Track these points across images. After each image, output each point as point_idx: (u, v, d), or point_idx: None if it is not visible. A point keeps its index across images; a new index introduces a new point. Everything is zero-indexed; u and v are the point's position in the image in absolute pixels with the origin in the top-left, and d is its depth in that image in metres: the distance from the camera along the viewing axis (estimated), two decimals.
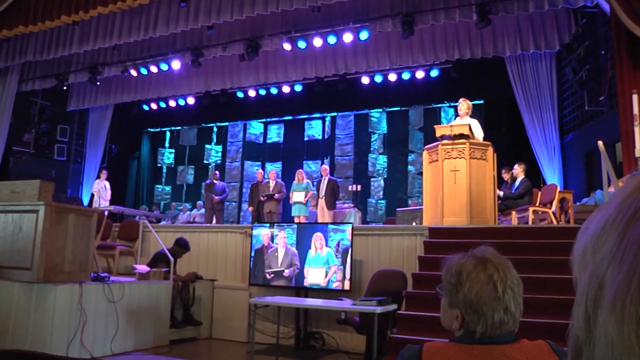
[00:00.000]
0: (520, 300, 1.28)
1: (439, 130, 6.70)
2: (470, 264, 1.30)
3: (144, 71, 11.58)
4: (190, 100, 13.74)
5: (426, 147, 7.06)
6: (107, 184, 11.86)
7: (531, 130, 9.76)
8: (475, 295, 1.25)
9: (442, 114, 12.44)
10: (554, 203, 7.31)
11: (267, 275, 6.81)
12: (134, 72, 11.59)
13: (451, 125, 6.62)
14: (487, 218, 6.34)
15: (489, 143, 6.58)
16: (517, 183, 7.87)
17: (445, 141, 6.55)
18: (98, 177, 12.40)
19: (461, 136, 6.46)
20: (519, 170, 7.91)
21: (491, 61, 10.07)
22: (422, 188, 7.38)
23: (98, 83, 12.01)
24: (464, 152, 6.39)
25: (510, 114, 10.87)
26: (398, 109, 13.17)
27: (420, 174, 11.37)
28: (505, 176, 8.41)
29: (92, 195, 11.90)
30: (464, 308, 1.27)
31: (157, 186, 15.72)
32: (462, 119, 6.92)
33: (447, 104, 12.35)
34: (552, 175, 9.50)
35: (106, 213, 8.45)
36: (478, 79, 11.01)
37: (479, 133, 6.75)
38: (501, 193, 7.68)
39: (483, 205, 6.36)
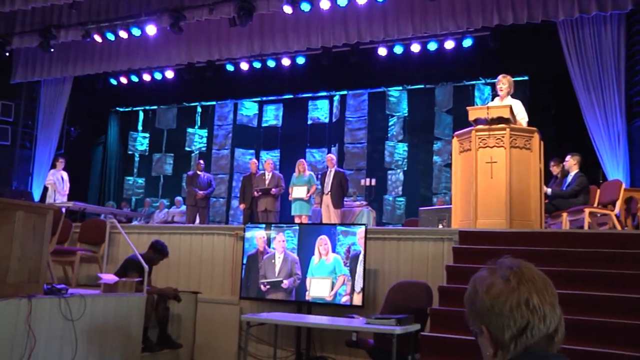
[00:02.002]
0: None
1: (473, 113, 6.71)
2: (499, 284, 1.35)
3: (110, 37, 11.61)
4: (169, 74, 13.78)
5: (456, 133, 7.07)
6: (65, 174, 11.91)
7: (589, 113, 9.61)
8: (508, 326, 1.30)
9: (476, 94, 12.44)
10: (618, 203, 7.31)
11: (262, 287, 6.85)
12: (98, 38, 11.61)
13: (488, 107, 6.64)
14: (531, 220, 6.36)
15: (534, 129, 6.59)
16: (569, 178, 7.87)
17: (480, 126, 6.55)
18: (53, 166, 12.40)
19: (500, 120, 6.46)
20: (572, 163, 7.90)
21: (539, 27, 9.99)
22: (451, 183, 7.39)
23: (52, 50, 11.97)
24: (504, 139, 6.40)
25: (561, 93, 10.82)
26: (422, 86, 13.17)
27: (449, 165, 11.39)
28: (555, 170, 8.41)
29: (46, 189, 11.93)
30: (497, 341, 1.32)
31: (128, 178, 15.81)
32: (501, 99, 6.92)
33: (483, 81, 12.35)
34: (615, 169, 9.43)
35: (64, 210, 8.49)
36: (522, 51, 11.00)
37: (522, 117, 6.75)
38: (549, 190, 7.68)
39: (526, 204, 6.38)
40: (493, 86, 9.81)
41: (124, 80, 14.29)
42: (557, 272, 4.74)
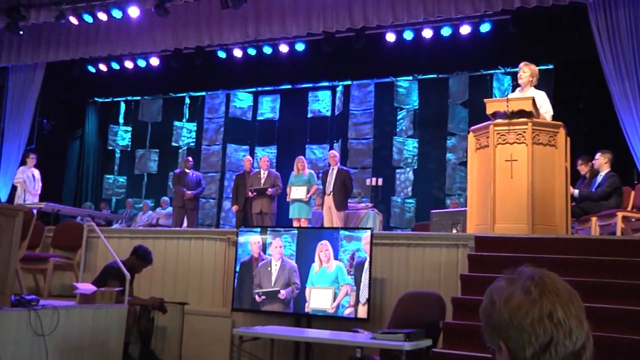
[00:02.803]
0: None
1: (491, 106, 6.72)
2: (519, 296, 1.34)
3: (88, 19, 11.61)
4: (154, 61, 13.78)
5: (472, 128, 7.07)
6: (37, 172, 11.90)
7: (622, 105, 9.52)
8: (529, 342, 1.30)
9: (495, 84, 12.45)
10: None
11: (257, 298, 6.86)
12: (74, 20, 11.61)
13: (508, 99, 6.63)
14: (555, 225, 6.37)
15: (560, 123, 6.59)
16: (599, 178, 7.86)
17: (499, 120, 6.56)
18: (23, 162, 12.38)
19: (521, 114, 6.47)
20: (602, 161, 7.89)
21: (566, 10, 9.99)
22: (466, 183, 7.39)
23: (21, 32, 11.93)
24: (525, 135, 6.41)
25: (591, 83, 10.79)
26: (434, 76, 13.17)
27: (464, 164, 11.35)
28: (583, 169, 8.40)
29: (15, 188, 11.91)
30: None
31: (108, 176, 15.81)
32: (523, 90, 6.92)
33: (502, 70, 12.35)
34: None
35: (35, 212, 8.50)
36: (546, 36, 11.00)
37: (546, 110, 6.75)
38: (576, 192, 7.68)
39: (550, 207, 6.39)
40: (513, 76, 9.83)
41: (103, 67, 14.29)
42: (584, 284, 4.75)
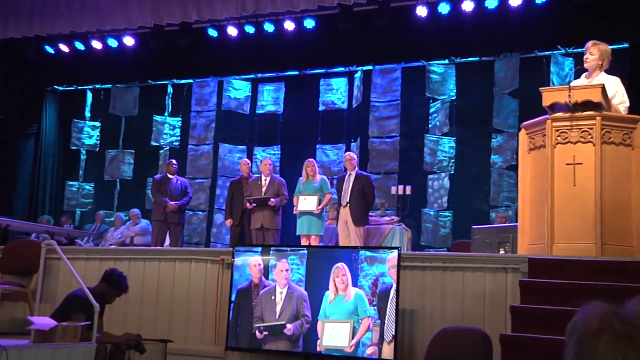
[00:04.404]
0: None
1: (549, 96, 6.69)
2: (607, 338, 1.32)
3: None
4: (128, 41, 13.84)
5: (524, 124, 7.06)
6: None
7: None
8: None
9: (553, 69, 12.38)
10: None
11: (258, 334, 6.86)
12: None
13: (570, 87, 6.61)
14: (632, 246, 6.33)
15: (638, 117, 6.55)
16: None
17: (558, 114, 6.54)
18: None
19: (588, 105, 6.44)
20: None
21: None
22: (517, 192, 7.37)
23: None
24: (593, 132, 6.39)
25: None
26: (476, 59, 13.14)
27: (513, 168, 11.32)
28: None
29: None
30: None
31: (71, 183, 15.85)
32: (590, 76, 6.89)
33: (563, 51, 12.28)
34: None
35: None
36: (620, 8, 10.91)
37: (620, 100, 6.72)
38: None
39: (625, 223, 6.36)
40: (578, 58, 9.77)
41: (64, 48, 14.34)
42: None
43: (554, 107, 6.61)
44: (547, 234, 6.38)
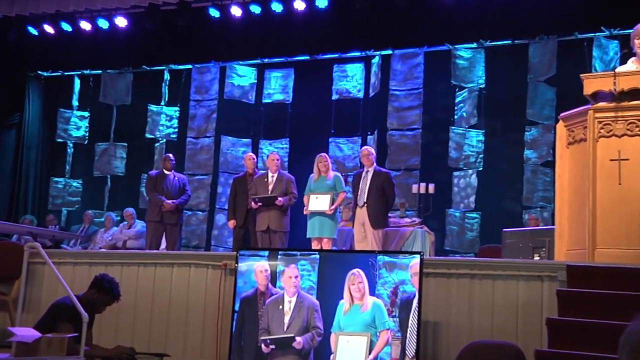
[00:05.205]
0: None
1: (591, 84, 6.67)
2: None
3: None
4: (121, 22, 13.87)
5: (563, 115, 7.04)
6: None
7: None
8: None
9: (596, 53, 12.32)
10: None
11: (264, 347, 6.82)
12: None
13: (615, 73, 6.57)
14: None
15: None
16: None
17: (602, 104, 6.51)
18: None
19: (636, 94, 6.42)
20: None
21: None
22: (553, 191, 7.33)
23: None
24: None
25: None
26: (508, 42, 13.10)
27: (549, 164, 11.29)
28: None
29: None
30: None
31: (57, 179, 15.91)
32: (638, 61, 6.85)
33: (607, 33, 12.22)
34: None
35: None
36: None
37: None
38: None
39: None
40: (623, 41, 9.70)
41: (49, 29, 14.38)
42: None
43: (597, 96, 6.58)
44: (588, 238, 6.36)
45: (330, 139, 13.90)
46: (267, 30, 13.40)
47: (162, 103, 15.37)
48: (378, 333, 6.44)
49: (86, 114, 15.98)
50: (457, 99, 13.34)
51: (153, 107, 15.37)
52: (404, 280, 6.46)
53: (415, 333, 6.32)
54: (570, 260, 6.42)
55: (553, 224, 7.27)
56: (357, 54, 14.10)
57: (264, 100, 14.69)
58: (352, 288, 6.61)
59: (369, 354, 6.44)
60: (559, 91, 12.38)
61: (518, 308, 6.47)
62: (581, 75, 6.89)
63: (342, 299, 6.63)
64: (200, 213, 14.53)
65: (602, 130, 6.47)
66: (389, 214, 10.48)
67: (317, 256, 7.04)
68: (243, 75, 14.83)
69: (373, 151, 10.65)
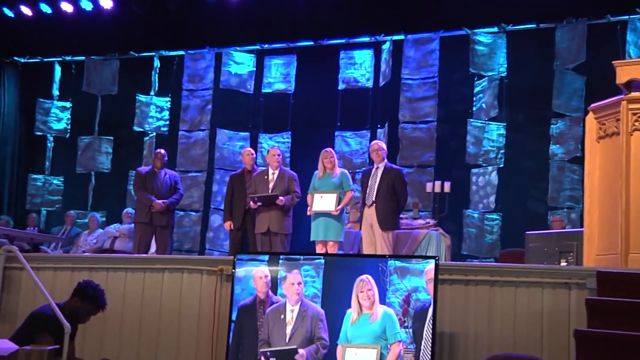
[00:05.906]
0: None
1: (624, 71, 6.69)
2: None
3: None
4: (106, 3, 13.90)
5: (592, 106, 7.06)
6: None
7: None
8: None
9: (630, 37, 12.34)
10: None
11: None
12: None
13: None
14: None
15: None
16: None
17: (636, 94, 6.52)
18: None
19: None
20: None
21: None
22: (582, 190, 7.33)
23: None
24: None
25: None
26: (532, 26, 13.11)
27: (578, 160, 11.29)
28: None
29: None
30: None
31: (35, 177, 15.98)
32: None
33: None
34: None
35: None
36: None
37: None
38: None
39: None
40: None
41: (27, 10, 14.44)
42: None
43: (631, 85, 6.59)
44: (621, 241, 6.38)
45: (336, 133, 13.95)
46: (267, 13, 13.44)
47: (152, 93, 15.44)
48: (389, 345, 6.43)
49: (68, 104, 16.06)
50: (476, 89, 13.37)
51: (142, 97, 15.43)
52: (418, 288, 6.45)
53: (430, 345, 6.30)
54: (601, 266, 6.42)
55: (581, 226, 7.27)
56: (366, 39, 14.13)
57: (263, 90, 14.74)
58: (361, 296, 6.60)
59: None
60: (588, 80, 12.40)
61: (543, 318, 6.46)
62: (613, 62, 6.92)
63: (350, 307, 6.62)
64: (194, 214, 14.57)
65: (636, 123, 6.48)
66: (401, 215, 10.48)
67: (322, 261, 7.03)
68: (241, 62, 14.86)
69: (383, 146, 10.62)
